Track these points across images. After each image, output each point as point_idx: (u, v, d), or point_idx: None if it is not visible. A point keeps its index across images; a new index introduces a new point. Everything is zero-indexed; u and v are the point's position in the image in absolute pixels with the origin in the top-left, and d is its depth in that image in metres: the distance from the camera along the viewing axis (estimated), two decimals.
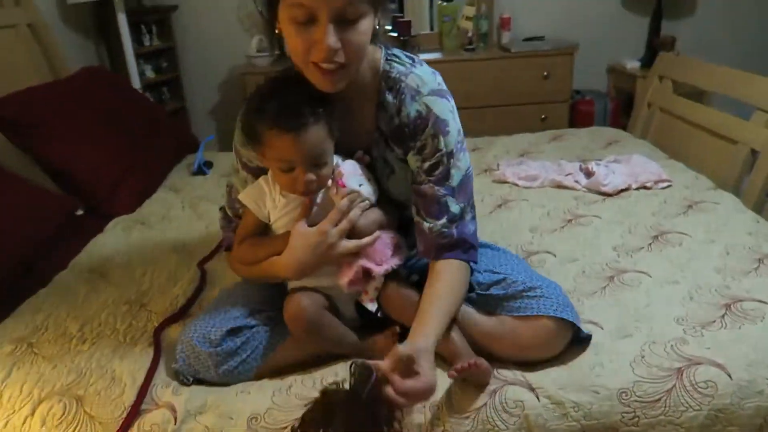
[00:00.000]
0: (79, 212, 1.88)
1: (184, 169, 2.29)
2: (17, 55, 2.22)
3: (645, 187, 1.79)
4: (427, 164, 1.09)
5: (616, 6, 3.41)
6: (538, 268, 1.40)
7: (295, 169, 1.03)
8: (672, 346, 1.09)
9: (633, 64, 3.28)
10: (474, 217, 1.14)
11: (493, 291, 1.13)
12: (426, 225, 1.10)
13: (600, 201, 1.76)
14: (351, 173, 1.10)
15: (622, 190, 1.78)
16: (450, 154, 1.09)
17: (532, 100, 3.18)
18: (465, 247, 1.11)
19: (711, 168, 1.96)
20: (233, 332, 1.11)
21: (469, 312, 1.12)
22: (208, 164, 2.31)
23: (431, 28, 3.51)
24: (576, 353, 1.09)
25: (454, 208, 1.09)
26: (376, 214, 1.13)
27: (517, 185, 1.91)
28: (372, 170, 1.16)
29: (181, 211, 1.90)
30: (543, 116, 3.20)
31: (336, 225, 1.07)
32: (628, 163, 1.90)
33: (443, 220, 1.09)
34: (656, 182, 1.79)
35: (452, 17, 3.29)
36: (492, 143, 2.36)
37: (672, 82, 2.39)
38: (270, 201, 1.13)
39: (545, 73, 3.12)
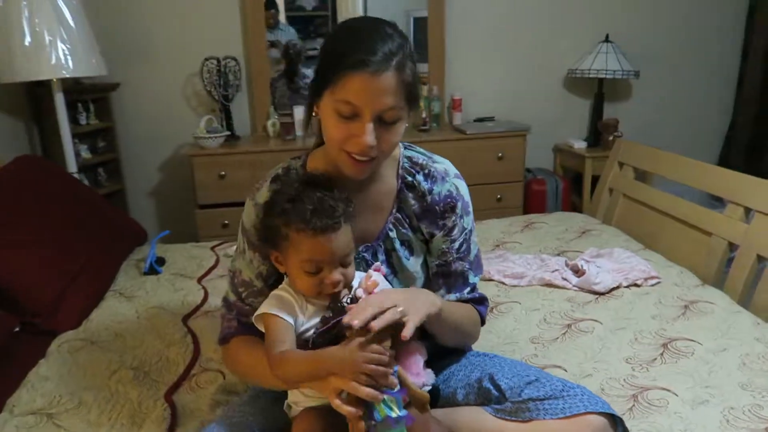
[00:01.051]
0: (16, 329, 1.61)
1: (134, 269, 2.06)
2: None
3: (635, 285, 1.75)
4: (456, 244, 1.16)
5: (559, 88, 3.53)
6: None
7: (322, 271, 0.99)
8: None
9: (579, 145, 3.37)
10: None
11: (529, 394, 1.05)
12: (451, 297, 1.18)
13: (593, 301, 1.70)
14: (381, 284, 1.02)
15: (613, 289, 1.74)
16: (471, 232, 1.19)
17: (487, 181, 3.18)
18: (484, 304, 1.23)
19: (688, 259, 1.97)
20: None
21: (506, 426, 1.04)
22: (160, 261, 2.10)
23: None
24: None
25: (473, 279, 1.21)
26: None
27: (503, 284, 1.83)
28: (389, 262, 1.16)
29: (135, 324, 1.67)
30: (498, 196, 3.20)
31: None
32: (611, 258, 1.87)
33: (467, 290, 1.20)
34: (646, 279, 1.76)
35: None
36: None
37: (633, 169, 2.44)
38: (298, 309, 1.01)
39: (499, 154, 3.14)
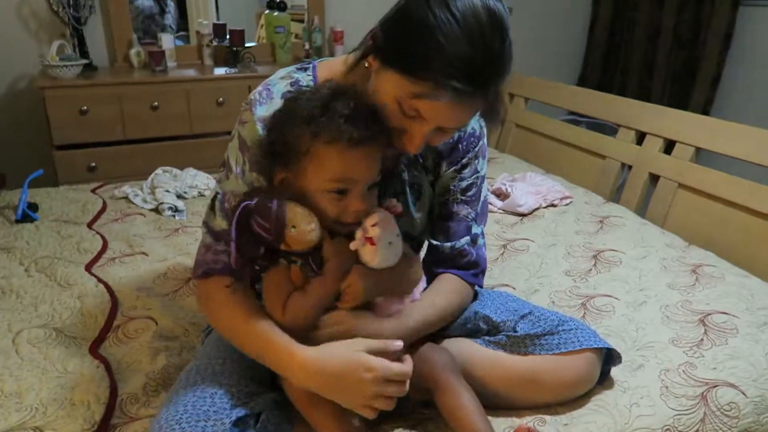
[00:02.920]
0: None
1: (2, 217, 1.72)
2: None
3: (552, 205, 1.85)
4: (464, 183, 1.07)
5: None
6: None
7: (348, 194, 0.87)
8: (684, 371, 1.11)
9: None
10: (484, 244, 1.13)
11: (523, 329, 1.04)
12: (447, 245, 1.07)
13: (519, 222, 1.76)
14: (385, 228, 0.89)
15: (535, 209, 1.81)
16: (483, 178, 1.10)
17: None
18: (477, 271, 1.10)
19: (584, 181, 2.12)
20: (239, 423, 0.85)
21: (499, 356, 1.02)
22: (33, 207, 1.78)
23: (257, 40, 3.25)
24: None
25: (476, 229, 1.10)
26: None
27: None
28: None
29: (26, 278, 1.41)
30: None
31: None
32: (526, 182, 1.95)
33: (466, 239, 1.08)
34: (561, 199, 1.86)
35: (285, 28, 3.09)
36: None
37: (524, 99, 2.55)
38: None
39: None
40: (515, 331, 1.04)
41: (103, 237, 1.63)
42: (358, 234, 0.88)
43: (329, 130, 0.84)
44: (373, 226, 0.87)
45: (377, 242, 0.88)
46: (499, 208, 1.81)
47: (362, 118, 0.85)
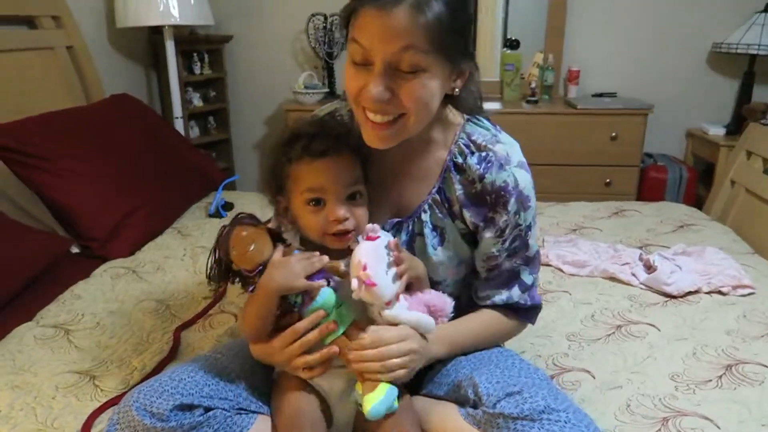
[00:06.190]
0: (75, 250, 1.74)
1: (202, 210, 2.13)
2: (51, 78, 2.15)
3: (719, 292, 1.46)
4: (507, 243, 1.01)
5: (701, 64, 3.07)
6: (569, 392, 1.12)
7: (326, 205, 0.93)
8: None
9: (716, 131, 2.92)
10: (537, 279, 1.09)
11: (504, 407, 0.87)
12: (498, 298, 1.05)
13: (660, 304, 1.44)
14: (374, 262, 0.88)
15: (690, 293, 1.46)
16: (528, 227, 1.02)
17: (596, 162, 2.87)
18: (531, 314, 1.09)
19: None
20: (183, 408, 0.90)
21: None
22: (228, 206, 2.14)
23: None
24: None
25: (528, 278, 1.05)
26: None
27: (561, 271, 1.62)
28: (409, 245, 1.03)
29: (179, 261, 1.72)
30: (607, 180, 2.88)
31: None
32: (701, 258, 1.57)
33: (516, 291, 1.04)
34: (734, 287, 1.46)
35: (515, 66, 3.05)
36: (541, 212, 2.07)
37: (763, 160, 2.04)
38: None
39: (613, 134, 2.81)
40: (494, 407, 0.88)
41: None
42: (354, 284, 0.88)
43: (297, 150, 0.93)
44: (364, 269, 0.86)
45: (376, 280, 0.86)
46: (641, 283, 1.51)
47: (327, 135, 0.93)
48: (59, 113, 1.89)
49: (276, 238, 0.94)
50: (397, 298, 0.91)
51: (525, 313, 1.08)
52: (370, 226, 0.92)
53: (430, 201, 1.02)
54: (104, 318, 1.40)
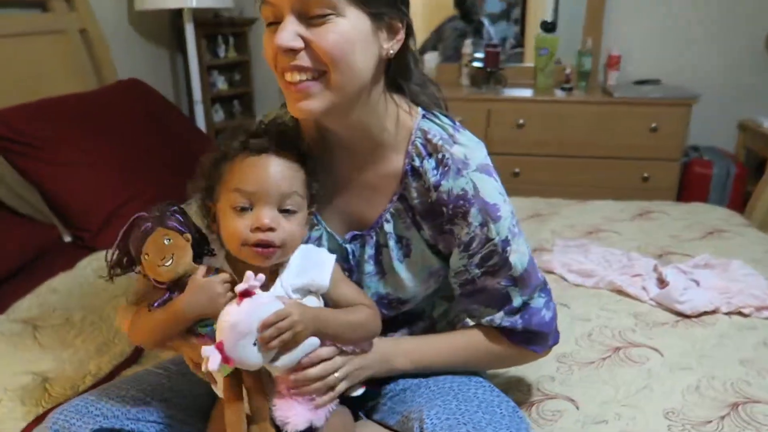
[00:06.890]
0: (67, 239, 1.72)
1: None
2: (64, 62, 2.14)
3: (740, 313, 1.29)
4: (477, 258, 0.89)
5: (757, 50, 2.79)
6: (546, 425, 1.00)
7: (253, 209, 0.81)
8: None
9: None
10: (550, 301, 0.95)
11: None
12: (485, 318, 0.93)
13: (669, 325, 1.28)
14: (232, 328, 0.75)
15: (706, 313, 1.30)
16: (505, 242, 0.88)
17: (634, 155, 2.67)
18: (532, 339, 0.94)
19: None
20: None
21: None
22: None
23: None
24: None
25: (517, 301, 0.91)
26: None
27: (565, 280, 1.48)
28: (377, 259, 0.93)
29: None
30: (645, 175, 2.68)
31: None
32: (724, 272, 1.40)
33: (501, 313, 0.92)
34: (758, 308, 1.28)
35: (549, 50, 2.86)
36: (556, 211, 1.92)
37: None
38: None
39: (653, 125, 2.60)
40: None
41: None
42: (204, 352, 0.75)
43: (234, 148, 0.83)
44: (219, 346, 0.74)
45: (234, 355, 0.74)
46: (650, 299, 1.35)
47: (271, 133, 0.84)
48: (58, 99, 1.87)
49: (200, 248, 0.86)
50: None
51: (519, 337, 0.94)
52: (249, 273, 0.76)
53: (392, 210, 0.92)
54: (75, 314, 1.37)
